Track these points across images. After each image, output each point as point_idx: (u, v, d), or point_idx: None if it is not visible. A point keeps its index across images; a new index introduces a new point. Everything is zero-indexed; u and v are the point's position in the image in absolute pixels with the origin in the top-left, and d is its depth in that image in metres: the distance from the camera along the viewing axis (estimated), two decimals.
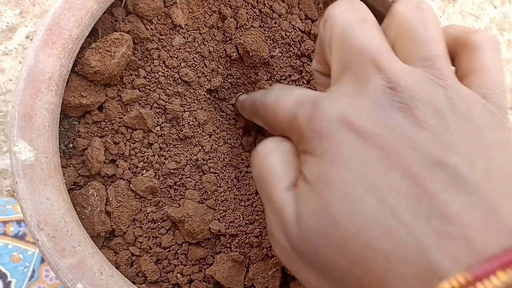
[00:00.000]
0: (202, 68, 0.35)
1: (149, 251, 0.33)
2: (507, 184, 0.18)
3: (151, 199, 0.33)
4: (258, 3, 0.36)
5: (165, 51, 0.34)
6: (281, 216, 0.20)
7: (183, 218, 0.31)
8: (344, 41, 0.21)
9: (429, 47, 0.21)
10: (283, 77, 0.36)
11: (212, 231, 0.33)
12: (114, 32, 0.32)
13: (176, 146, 0.34)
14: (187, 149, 0.34)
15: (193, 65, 0.35)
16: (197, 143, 0.35)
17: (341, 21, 0.22)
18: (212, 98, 0.37)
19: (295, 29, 0.36)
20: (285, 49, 0.36)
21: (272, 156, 0.22)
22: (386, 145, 0.18)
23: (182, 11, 0.34)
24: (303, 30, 0.37)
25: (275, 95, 0.24)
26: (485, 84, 0.21)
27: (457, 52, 0.23)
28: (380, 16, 0.38)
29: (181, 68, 0.34)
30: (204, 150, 0.34)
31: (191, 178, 0.34)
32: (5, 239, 0.42)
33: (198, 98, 0.35)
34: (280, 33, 0.36)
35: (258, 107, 0.27)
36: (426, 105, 0.19)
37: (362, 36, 0.21)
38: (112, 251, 0.32)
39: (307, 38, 0.37)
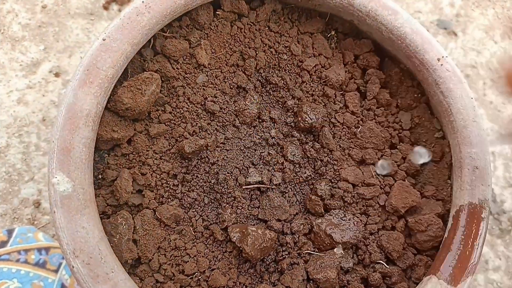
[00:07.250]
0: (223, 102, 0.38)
1: (172, 278, 0.34)
2: None
3: (174, 227, 0.35)
4: (276, 43, 0.39)
5: (189, 88, 0.36)
6: None
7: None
8: None
9: None
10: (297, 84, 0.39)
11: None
12: (144, 72, 0.34)
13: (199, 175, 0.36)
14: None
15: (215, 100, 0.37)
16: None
17: None
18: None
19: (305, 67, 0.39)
20: (294, 77, 0.39)
21: None
22: None
23: (205, 52, 0.36)
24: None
25: None
26: None
27: None
28: (391, 57, 0.41)
29: (206, 102, 0.37)
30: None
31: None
32: (26, 267, 0.43)
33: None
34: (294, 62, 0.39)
35: None
36: None
37: None
38: (138, 278, 0.33)
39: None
